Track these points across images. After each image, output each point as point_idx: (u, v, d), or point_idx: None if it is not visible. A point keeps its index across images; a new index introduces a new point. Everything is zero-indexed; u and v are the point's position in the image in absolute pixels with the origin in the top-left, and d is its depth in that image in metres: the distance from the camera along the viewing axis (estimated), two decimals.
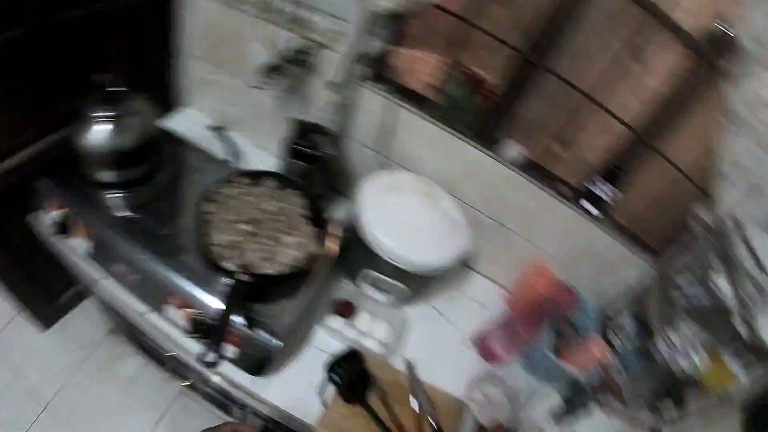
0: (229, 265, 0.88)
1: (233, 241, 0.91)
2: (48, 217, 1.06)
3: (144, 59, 1.25)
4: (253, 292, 0.89)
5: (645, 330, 1.13)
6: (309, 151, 1.01)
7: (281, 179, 1.03)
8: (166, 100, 1.38)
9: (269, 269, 0.90)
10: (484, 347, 1.14)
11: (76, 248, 1.02)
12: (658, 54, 1.06)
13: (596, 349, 1.06)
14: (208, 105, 1.38)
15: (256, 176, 1.03)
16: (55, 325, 1.54)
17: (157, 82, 1.35)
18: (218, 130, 1.31)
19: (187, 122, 1.36)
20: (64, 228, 1.02)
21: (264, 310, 0.93)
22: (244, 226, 0.93)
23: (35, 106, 1.13)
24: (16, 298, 1.40)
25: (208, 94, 1.35)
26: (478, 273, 1.29)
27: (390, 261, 0.97)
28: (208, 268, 0.92)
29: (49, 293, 1.47)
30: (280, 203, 0.99)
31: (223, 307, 0.84)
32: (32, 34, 1.00)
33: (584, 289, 1.16)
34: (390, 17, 0.98)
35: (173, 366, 1.30)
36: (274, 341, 0.91)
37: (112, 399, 1.44)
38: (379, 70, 1.08)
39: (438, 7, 1.01)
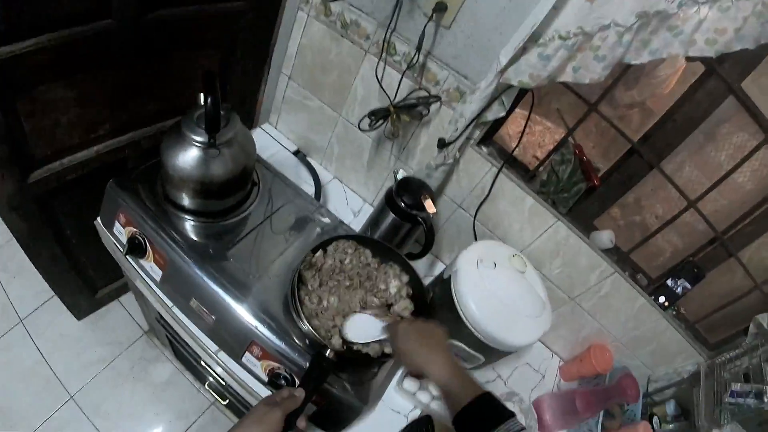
0: (330, 343, 0.77)
1: (328, 312, 0.81)
2: (120, 232, 0.95)
3: (235, 69, 1.12)
4: (342, 364, 0.80)
5: (689, 423, 1.12)
6: (412, 211, 0.92)
7: (383, 249, 0.92)
8: (250, 113, 1.26)
9: (364, 349, 0.80)
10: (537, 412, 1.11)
11: (149, 273, 0.92)
12: (759, 167, 1.03)
13: None
14: (290, 127, 1.25)
15: (358, 241, 0.91)
16: (90, 316, 1.41)
17: (243, 95, 1.21)
18: (299, 155, 1.20)
19: (265, 139, 1.24)
20: (140, 249, 0.91)
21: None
22: (339, 301, 0.83)
23: (114, 103, 1.00)
24: (56, 286, 1.28)
25: (295, 117, 1.22)
26: (539, 340, 1.24)
27: (477, 335, 0.91)
28: (304, 338, 0.82)
29: (89, 286, 1.34)
30: (380, 276, 0.90)
31: (308, 372, 0.74)
32: (121, 29, 0.87)
33: (636, 372, 1.14)
34: (518, 88, 0.90)
35: (213, 385, 1.22)
36: (357, 402, 0.82)
37: (139, 402, 1.33)
38: (490, 135, 1.00)
39: (565, 84, 0.94)
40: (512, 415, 0.59)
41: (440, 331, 0.75)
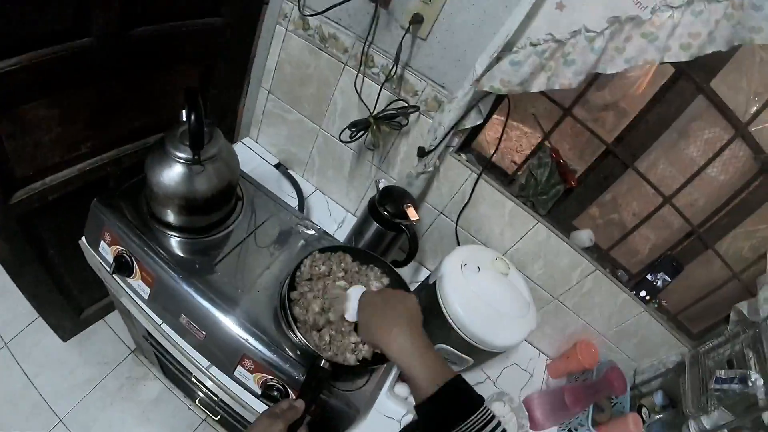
0: (321, 354, 0.77)
1: (318, 325, 0.82)
2: (106, 251, 0.95)
3: (215, 84, 1.13)
4: (335, 373, 0.80)
5: (677, 411, 1.16)
6: (395, 219, 0.94)
7: (368, 257, 0.93)
8: (231, 128, 1.27)
9: (354, 359, 0.80)
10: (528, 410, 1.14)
11: (137, 291, 0.93)
12: (730, 161, 1.08)
13: (634, 427, 1.08)
14: (271, 141, 1.26)
15: (343, 251, 0.92)
16: (76, 337, 1.40)
17: (224, 109, 1.22)
18: (281, 168, 1.22)
19: (247, 153, 1.25)
20: (127, 267, 0.91)
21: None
22: (329, 315, 0.84)
23: (95, 121, 1.00)
24: (41, 308, 1.27)
25: (276, 130, 1.24)
26: (525, 340, 1.27)
27: (465, 338, 0.94)
28: (295, 349, 0.83)
29: (74, 306, 1.34)
30: (362, 278, 0.91)
31: (306, 382, 0.75)
32: (100, 47, 0.87)
33: (623, 365, 1.17)
34: (495, 96, 0.93)
35: (204, 401, 1.22)
36: (350, 410, 0.84)
37: (130, 421, 1.33)
38: (468, 142, 1.03)
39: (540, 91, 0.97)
40: (481, 402, 0.53)
41: (410, 301, 0.66)
